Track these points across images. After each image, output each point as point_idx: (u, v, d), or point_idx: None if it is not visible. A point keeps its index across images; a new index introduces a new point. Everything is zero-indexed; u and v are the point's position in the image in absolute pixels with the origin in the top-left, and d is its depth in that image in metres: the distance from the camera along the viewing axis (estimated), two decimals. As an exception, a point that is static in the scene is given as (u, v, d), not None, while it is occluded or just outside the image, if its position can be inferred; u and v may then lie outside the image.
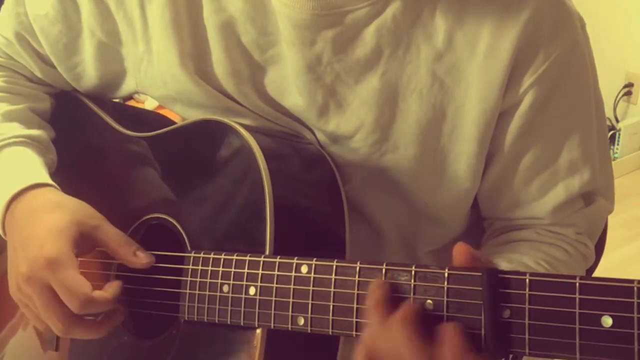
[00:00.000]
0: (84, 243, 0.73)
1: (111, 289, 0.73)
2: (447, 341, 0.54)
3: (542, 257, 0.77)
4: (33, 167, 0.80)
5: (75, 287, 0.69)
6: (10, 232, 0.77)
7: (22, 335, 0.90)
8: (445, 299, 0.55)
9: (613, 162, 2.89)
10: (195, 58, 0.79)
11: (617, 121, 3.06)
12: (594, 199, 0.81)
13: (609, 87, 2.97)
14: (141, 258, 0.74)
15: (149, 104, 1.89)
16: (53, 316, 0.71)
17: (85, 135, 0.91)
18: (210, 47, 0.78)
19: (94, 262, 0.76)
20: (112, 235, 0.74)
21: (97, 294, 0.71)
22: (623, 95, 3.08)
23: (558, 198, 0.78)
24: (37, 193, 0.77)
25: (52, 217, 0.73)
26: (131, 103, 1.83)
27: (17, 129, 0.84)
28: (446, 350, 0.53)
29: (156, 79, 0.82)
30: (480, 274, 0.54)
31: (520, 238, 0.81)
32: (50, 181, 0.79)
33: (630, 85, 3.07)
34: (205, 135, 0.76)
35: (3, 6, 0.89)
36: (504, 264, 0.75)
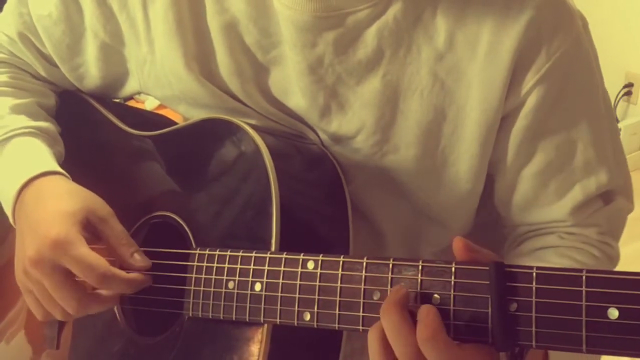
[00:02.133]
0: (89, 233, 0.73)
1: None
2: (420, 321, 0.54)
3: (569, 265, 0.77)
4: (42, 156, 0.80)
5: (92, 261, 0.69)
6: (19, 219, 0.76)
7: (5, 348, 0.89)
8: (452, 293, 0.56)
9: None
10: (200, 59, 0.79)
11: (617, 121, 3.07)
12: (613, 197, 0.81)
13: (609, 87, 2.96)
14: (137, 261, 0.73)
15: (149, 104, 1.89)
16: (67, 294, 0.70)
17: (90, 133, 0.91)
18: (214, 47, 0.79)
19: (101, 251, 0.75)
20: (116, 231, 0.74)
21: (116, 269, 0.71)
22: (623, 95, 3.08)
23: (576, 199, 0.77)
24: (47, 180, 0.77)
25: (61, 202, 0.73)
26: (131, 103, 1.83)
27: (25, 121, 0.84)
28: (419, 330, 0.54)
29: (160, 80, 0.82)
30: (487, 268, 0.54)
31: (543, 245, 0.80)
32: (60, 169, 0.79)
33: (630, 85, 3.08)
34: (212, 134, 0.76)
35: (6, 5, 0.90)
36: None
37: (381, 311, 0.56)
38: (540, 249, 0.80)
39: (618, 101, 3.09)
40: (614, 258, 0.83)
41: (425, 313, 0.55)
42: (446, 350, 0.53)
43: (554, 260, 0.78)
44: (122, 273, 0.72)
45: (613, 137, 0.81)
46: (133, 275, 0.73)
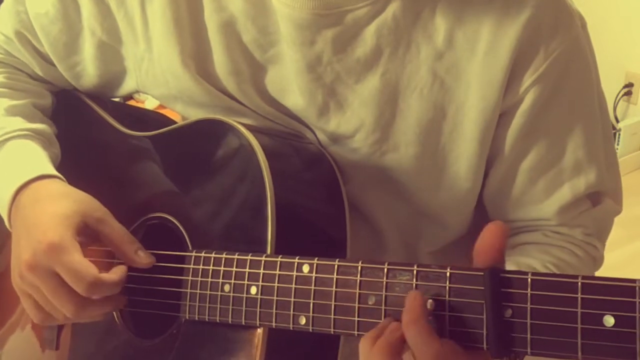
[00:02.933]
0: (86, 236, 0.73)
1: (119, 271, 0.72)
2: (406, 307, 0.56)
3: (550, 261, 0.77)
4: (38, 159, 0.80)
5: (81, 270, 0.69)
6: (15, 222, 0.76)
7: (20, 336, 0.89)
8: (447, 298, 0.55)
9: (613, 162, 2.89)
10: (197, 57, 0.79)
11: (617, 121, 3.07)
12: (601, 199, 0.81)
13: (609, 87, 2.96)
14: (142, 258, 0.74)
15: (149, 104, 1.89)
16: (64, 299, 0.70)
17: (86, 134, 0.91)
18: (211, 46, 0.78)
19: (96, 258, 0.75)
20: (116, 230, 0.74)
21: (105, 275, 0.71)
22: (623, 95, 3.08)
23: (564, 198, 0.78)
24: (44, 183, 0.77)
25: (57, 205, 0.73)
26: (131, 103, 1.83)
27: (21, 123, 0.83)
28: (404, 314, 0.55)
29: (157, 78, 0.82)
30: (482, 273, 0.54)
31: (527, 241, 0.80)
32: (56, 173, 0.79)
33: (630, 85, 3.08)
34: (207, 135, 0.76)
35: (3, 4, 0.89)
36: (510, 268, 0.75)
37: (404, 325, 0.56)
38: (524, 244, 0.80)
39: (618, 101, 3.08)
40: (598, 260, 0.83)
41: (412, 298, 0.56)
42: (428, 336, 0.54)
43: (535, 254, 0.78)
44: (111, 277, 0.71)
45: (606, 139, 0.81)
46: (119, 276, 0.72)
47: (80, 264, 0.69)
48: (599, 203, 0.81)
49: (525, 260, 0.76)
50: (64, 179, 0.79)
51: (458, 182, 0.77)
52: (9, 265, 0.76)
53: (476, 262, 0.56)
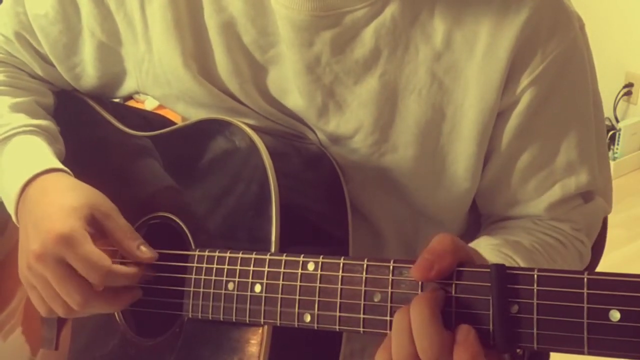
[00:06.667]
0: (94, 229, 0.73)
1: (134, 265, 0.73)
2: (459, 343, 0.53)
3: (536, 241, 0.78)
4: (44, 154, 0.80)
5: (96, 260, 0.69)
6: (22, 216, 0.76)
7: (8, 340, 0.89)
8: (453, 294, 0.55)
9: (613, 162, 2.90)
10: (198, 58, 0.79)
11: (617, 121, 3.07)
12: (593, 197, 0.82)
13: (609, 87, 2.98)
14: (144, 253, 0.73)
15: (149, 104, 1.89)
16: (71, 289, 0.70)
17: (88, 133, 0.91)
18: (212, 47, 0.78)
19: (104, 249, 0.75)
20: (120, 225, 0.74)
21: (118, 267, 0.71)
22: (623, 95, 3.09)
23: (554, 197, 0.78)
24: (51, 177, 0.77)
25: (66, 197, 0.73)
26: (131, 103, 1.83)
27: (25, 119, 0.84)
28: (458, 352, 0.53)
29: (159, 79, 0.82)
30: (488, 269, 0.54)
31: (515, 225, 0.81)
32: (63, 166, 0.79)
33: (630, 85, 3.08)
34: (211, 134, 0.76)
35: (2, 5, 0.90)
36: (497, 241, 0.75)
37: (412, 302, 0.55)
38: (513, 227, 0.81)
39: (618, 101, 3.09)
40: (585, 256, 0.83)
41: (465, 334, 0.53)
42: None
43: (522, 235, 0.78)
44: (124, 268, 0.72)
45: (600, 142, 0.81)
46: (133, 269, 0.73)
47: (93, 253, 0.69)
48: (590, 200, 0.81)
49: (512, 238, 0.77)
50: (70, 172, 0.79)
51: (457, 182, 0.78)
52: (8, 254, 0.76)
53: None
